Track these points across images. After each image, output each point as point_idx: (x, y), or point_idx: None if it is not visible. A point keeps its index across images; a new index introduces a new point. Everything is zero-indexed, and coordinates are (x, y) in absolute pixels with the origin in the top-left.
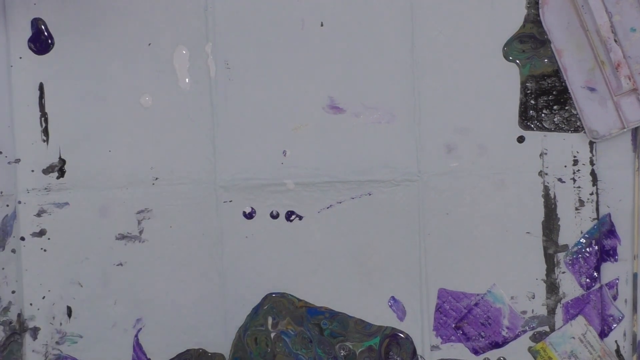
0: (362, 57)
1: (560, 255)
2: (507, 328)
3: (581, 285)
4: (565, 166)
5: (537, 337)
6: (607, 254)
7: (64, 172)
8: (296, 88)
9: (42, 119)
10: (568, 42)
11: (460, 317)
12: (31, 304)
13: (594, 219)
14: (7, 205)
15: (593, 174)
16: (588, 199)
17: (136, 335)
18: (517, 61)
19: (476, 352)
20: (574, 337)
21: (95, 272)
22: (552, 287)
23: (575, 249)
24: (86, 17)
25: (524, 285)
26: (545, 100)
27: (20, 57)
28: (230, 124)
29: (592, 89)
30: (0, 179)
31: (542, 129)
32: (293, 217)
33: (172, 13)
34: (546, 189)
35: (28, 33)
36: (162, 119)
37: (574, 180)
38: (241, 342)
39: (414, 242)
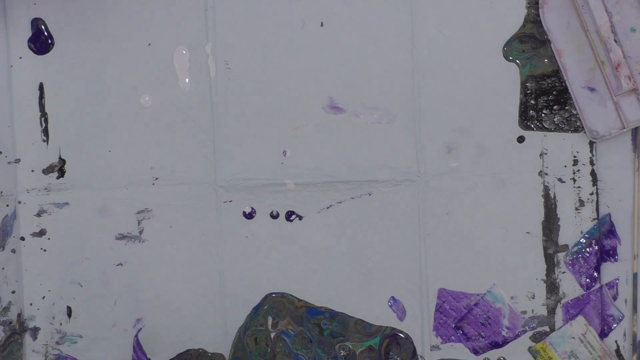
0: (362, 57)
1: (560, 255)
2: (507, 328)
3: (581, 285)
4: (565, 166)
5: (537, 337)
6: (607, 254)
7: (64, 172)
8: (296, 88)
9: (42, 119)
10: (568, 42)
11: (460, 317)
12: (31, 304)
13: (594, 219)
14: (7, 205)
15: (593, 174)
16: (588, 199)
17: (136, 335)
18: (517, 61)
19: (476, 352)
20: (574, 337)
21: (95, 272)
22: (552, 287)
23: (575, 249)
24: (86, 17)
25: (524, 285)
26: (545, 100)
27: (20, 57)
28: (230, 124)
29: (592, 89)
30: (0, 179)
31: (542, 129)
32: (293, 217)
33: (172, 13)
34: (546, 189)
35: (28, 33)
36: (162, 119)
37: (574, 180)
38: (241, 342)
39: (414, 242)
